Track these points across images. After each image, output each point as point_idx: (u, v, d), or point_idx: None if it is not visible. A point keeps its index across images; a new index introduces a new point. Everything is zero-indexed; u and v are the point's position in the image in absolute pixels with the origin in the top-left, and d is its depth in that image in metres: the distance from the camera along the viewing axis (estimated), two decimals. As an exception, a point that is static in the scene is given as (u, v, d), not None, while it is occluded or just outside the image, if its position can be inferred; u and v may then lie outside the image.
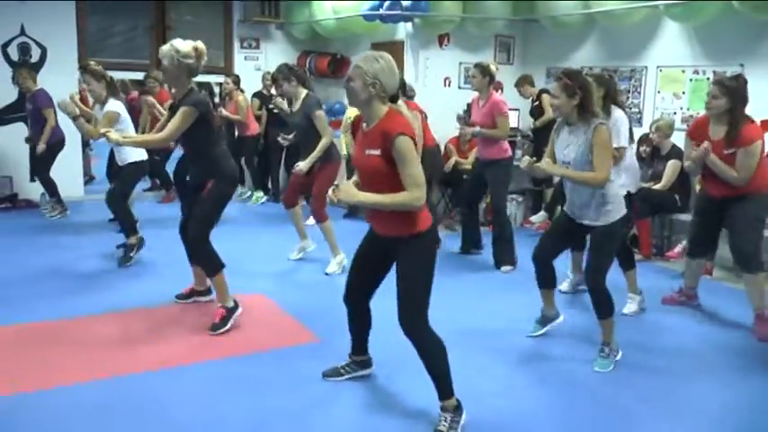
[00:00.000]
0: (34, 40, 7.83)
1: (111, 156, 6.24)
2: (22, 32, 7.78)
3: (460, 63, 8.05)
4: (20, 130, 7.47)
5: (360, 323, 3.43)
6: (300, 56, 9.26)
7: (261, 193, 8.51)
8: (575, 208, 3.80)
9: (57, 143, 7.12)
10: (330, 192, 2.95)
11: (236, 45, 9.06)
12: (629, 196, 4.46)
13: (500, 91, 7.87)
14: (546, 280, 4.07)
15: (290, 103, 5.58)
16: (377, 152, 2.85)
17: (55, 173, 7.19)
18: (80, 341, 3.97)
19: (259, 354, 3.88)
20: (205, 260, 4.21)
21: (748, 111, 4.60)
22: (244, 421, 3.13)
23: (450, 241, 6.38)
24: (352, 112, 7.09)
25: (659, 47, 6.79)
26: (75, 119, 4.83)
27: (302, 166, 5.33)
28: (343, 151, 7.04)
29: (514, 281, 5.40)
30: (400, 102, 2.99)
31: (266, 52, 9.13)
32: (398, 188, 2.82)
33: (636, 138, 5.46)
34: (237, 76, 8.24)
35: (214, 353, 3.88)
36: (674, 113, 6.55)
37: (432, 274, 2.97)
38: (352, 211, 7.38)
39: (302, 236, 5.81)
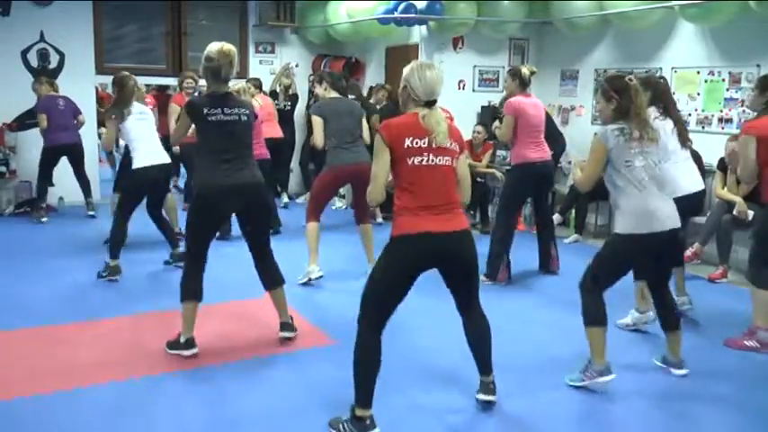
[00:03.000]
0: (53, 46, 7.94)
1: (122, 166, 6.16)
2: (42, 39, 7.89)
3: (475, 66, 8.05)
4: (38, 135, 7.54)
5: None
6: (315, 59, 9.31)
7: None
8: None
9: (52, 149, 7.19)
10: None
11: (252, 49, 9.12)
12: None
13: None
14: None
15: None
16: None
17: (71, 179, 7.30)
18: (92, 344, 4.03)
19: (276, 356, 3.91)
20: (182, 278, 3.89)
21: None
22: (259, 424, 3.16)
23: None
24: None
25: (674, 48, 6.75)
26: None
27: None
28: None
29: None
30: (437, 106, 3.02)
31: (281, 56, 9.18)
32: (398, 186, 2.97)
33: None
34: (258, 80, 8.11)
35: (228, 356, 3.92)
36: (689, 115, 6.51)
37: (383, 278, 2.97)
38: None
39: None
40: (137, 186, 5.34)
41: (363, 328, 2.97)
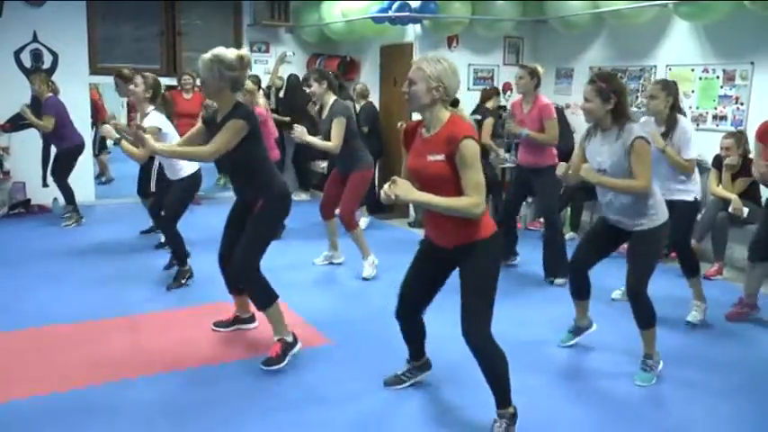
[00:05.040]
0: (46, 47, 7.90)
1: (143, 169, 5.96)
2: (35, 39, 7.85)
3: (469, 65, 8.04)
4: (32, 136, 7.54)
5: (415, 334, 3.39)
6: (310, 59, 9.30)
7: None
8: (613, 213, 3.65)
9: (75, 148, 7.11)
10: (386, 187, 2.77)
11: (246, 49, 9.08)
12: (696, 203, 4.41)
13: (510, 92, 7.88)
14: (581, 291, 3.94)
15: (321, 110, 5.46)
16: (441, 157, 2.79)
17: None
18: (96, 345, 4.01)
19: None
20: (256, 291, 3.75)
21: (758, 110, 4.61)
22: (257, 423, 3.15)
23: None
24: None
25: (668, 46, 6.76)
26: (117, 143, 4.44)
27: (306, 138, 5.13)
28: None
29: (553, 290, 5.23)
30: (461, 107, 2.93)
31: (276, 56, 9.16)
32: (459, 196, 2.78)
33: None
34: (257, 77, 7.97)
35: (225, 356, 3.91)
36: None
37: (497, 283, 2.89)
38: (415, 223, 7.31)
39: (333, 247, 5.78)
40: (194, 190, 5.20)
41: (490, 337, 2.88)
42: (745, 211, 5.37)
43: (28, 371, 3.65)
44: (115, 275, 5.36)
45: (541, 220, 7.11)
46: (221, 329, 4.25)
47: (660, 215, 3.57)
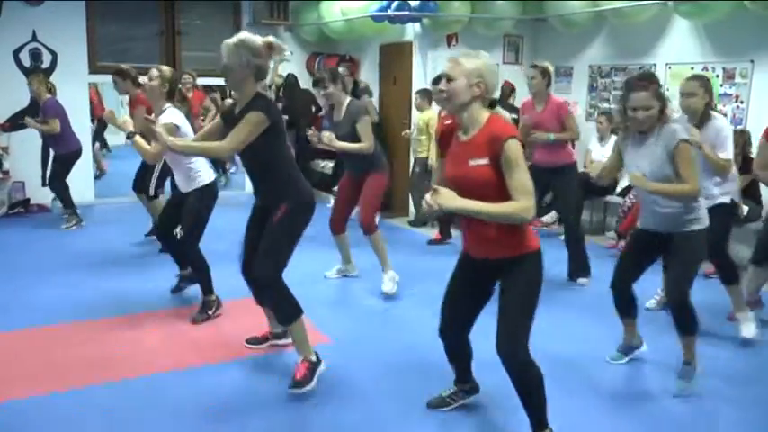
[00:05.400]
0: (45, 46, 7.90)
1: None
2: (34, 38, 7.84)
3: (469, 63, 8.03)
4: (32, 135, 7.52)
5: (462, 355, 3.16)
6: (309, 58, 9.29)
7: None
8: (657, 219, 3.49)
9: (72, 154, 7.02)
10: (428, 196, 2.57)
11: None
12: (734, 205, 4.29)
13: (514, 93, 7.84)
14: (627, 309, 3.76)
15: (331, 110, 5.19)
16: (484, 161, 2.58)
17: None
18: (90, 344, 4.01)
19: (271, 355, 3.89)
20: (278, 304, 3.48)
21: (758, 108, 4.60)
22: (257, 420, 3.14)
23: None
24: (424, 116, 7.08)
25: (668, 44, 6.76)
26: (129, 137, 3.79)
27: (336, 143, 4.89)
28: (432, 160, 6.93)
29: (588, 297, 5.02)
30: (498, 108, 2.74)
31: (275, 55, 9.15)
32: (505, 201, 2.57)
33: None
34: (294, 76, 7.84)
35: (226, 356, 3.90)
36: (685, 111, 6.51)
37: (538, 300, 2.70)
38: (444, 235, 6.77)
39: (346, 260, 5.46)
40: (212, 203, 4.46)
41: (528, 356, 2.69)
42: (745, 209, 5.37)
43: (27, 371, 3.64)
44: (114, 275, 5.36)
45: (542, 219, 7.14)
46: (254, 346, 3.99)
47: (704, 219, 3.47)
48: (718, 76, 6.26)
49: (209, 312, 4.43)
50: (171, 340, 4.11)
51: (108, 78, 6.12)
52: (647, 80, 3.36)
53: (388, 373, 3.68)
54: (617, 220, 6.63)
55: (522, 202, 2.53)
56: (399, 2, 6.97)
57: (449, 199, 2.55)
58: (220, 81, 8.21)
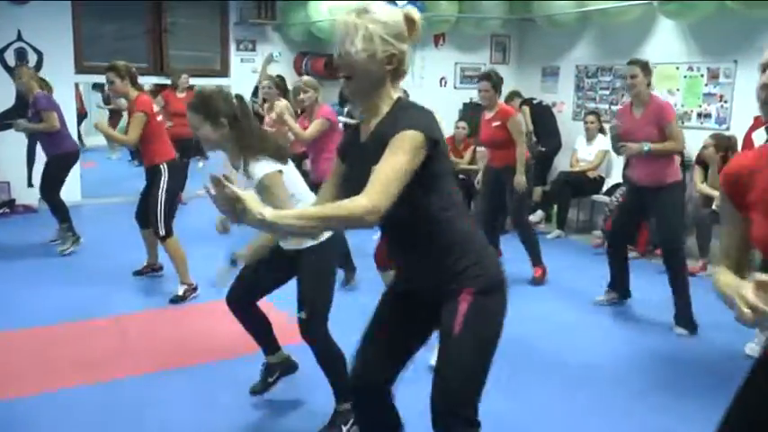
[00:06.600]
0: (31, 45, 7.85)
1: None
2: (19, 38, 7.80)
3: (456, 63, 8.08)
4: (17, 135, 7.46)
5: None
6: (297, 57, 9.28)
7: None
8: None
9: (66, 156, 6.00)
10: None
11: (233, 47, 9.06)
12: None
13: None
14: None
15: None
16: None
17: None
18: (79, 345, 4.00)
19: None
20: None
21: (741, 108, 4.63)
22: (249, 419, 3.15)
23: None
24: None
25: (653, 44, 6.82)
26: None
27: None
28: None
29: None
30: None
31: (263, 54, 9.13)
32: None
33: None
34: (281, 77, 6.92)
35: (209, 356, 3.90)
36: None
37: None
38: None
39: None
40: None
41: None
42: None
43: (17, 371, 3.62)
44: (103, 275, 5.33)
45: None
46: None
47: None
48: (702, 76, 6.33)
49: (270, 380, 3.34)
50: (161, 340, 4.10)
51: (93, 78, 6.02)
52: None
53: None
54: (603, 218, 6.68)
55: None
56: (386, 1, 6.99)
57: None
58: (210, 81, 8.29)
